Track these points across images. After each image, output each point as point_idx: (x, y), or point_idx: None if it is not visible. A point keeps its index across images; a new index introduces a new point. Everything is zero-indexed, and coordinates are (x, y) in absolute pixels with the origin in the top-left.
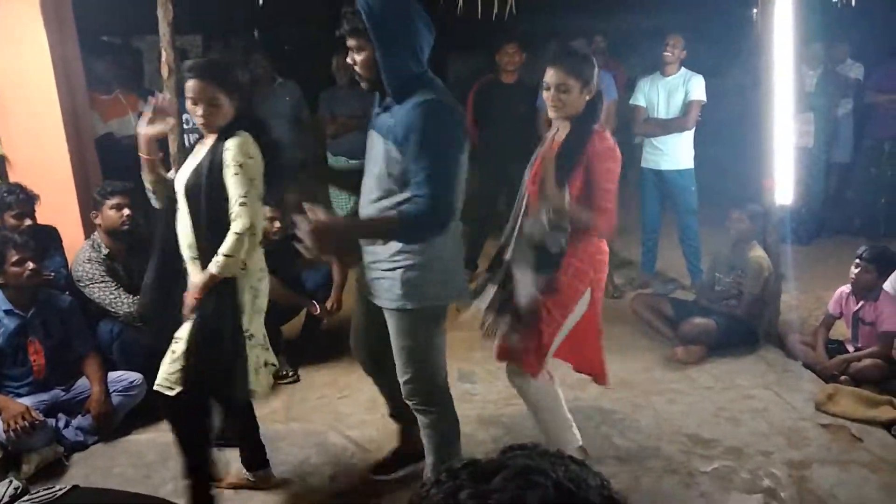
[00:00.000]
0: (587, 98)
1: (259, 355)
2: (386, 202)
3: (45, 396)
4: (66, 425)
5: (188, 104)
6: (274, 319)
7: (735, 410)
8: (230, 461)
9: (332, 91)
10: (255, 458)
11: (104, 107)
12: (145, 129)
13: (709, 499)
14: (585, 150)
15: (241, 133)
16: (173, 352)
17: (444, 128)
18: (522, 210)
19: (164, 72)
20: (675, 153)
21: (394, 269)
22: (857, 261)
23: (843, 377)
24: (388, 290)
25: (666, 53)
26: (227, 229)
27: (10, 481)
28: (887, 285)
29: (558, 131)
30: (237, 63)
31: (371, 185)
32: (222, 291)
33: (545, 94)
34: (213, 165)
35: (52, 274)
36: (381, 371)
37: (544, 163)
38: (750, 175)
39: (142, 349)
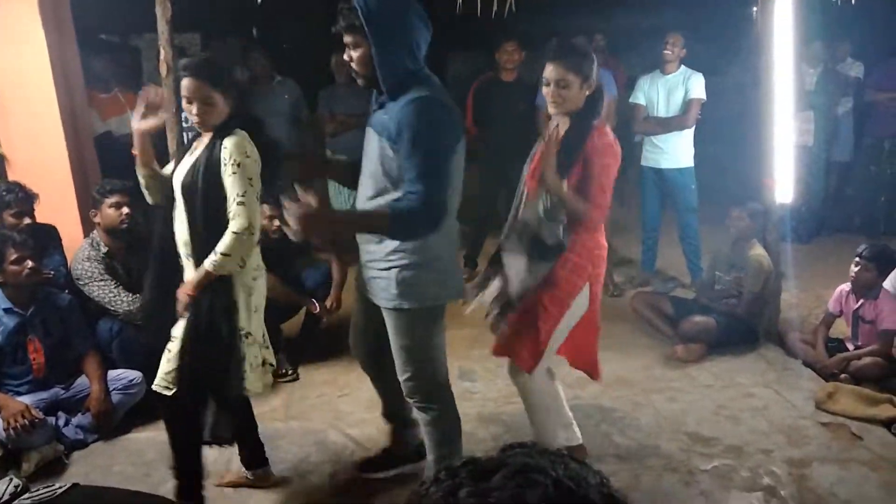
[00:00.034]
0: (587, 93)
1: (258, 354)
2: (381, 199)
3: (44, 395)
4: (66, 423)
5: (184, 103)
6: (273, 318)
7: (735, 409)
8: (230, 459)
9: (331, 89)
10: (255, 456)
11: (103, 105)
12: (138, 124)
13: (709, 497)
14: (585, 146)
15: (237, 132)
16: (169, 351)
17: (437, 125)
18: (521, 204)
19: (163, 70)
20: (675, 151)
21: (389, 268)
22: (857, 259)
23: (843, 375)
24: (384, 289)
25: (666, 52)
26: (223, 227)
27: (10, 479)
28: (887, 283)
29: (558, 126)
30: (233, 61)
31: (367, 183)
32: (217, 289)
33: (545, 90)
34: (210, 163)
35: (52, 272)
36: (380, 370)
37: (544, 155)
38: (750, 173)
39: (141, 347)
